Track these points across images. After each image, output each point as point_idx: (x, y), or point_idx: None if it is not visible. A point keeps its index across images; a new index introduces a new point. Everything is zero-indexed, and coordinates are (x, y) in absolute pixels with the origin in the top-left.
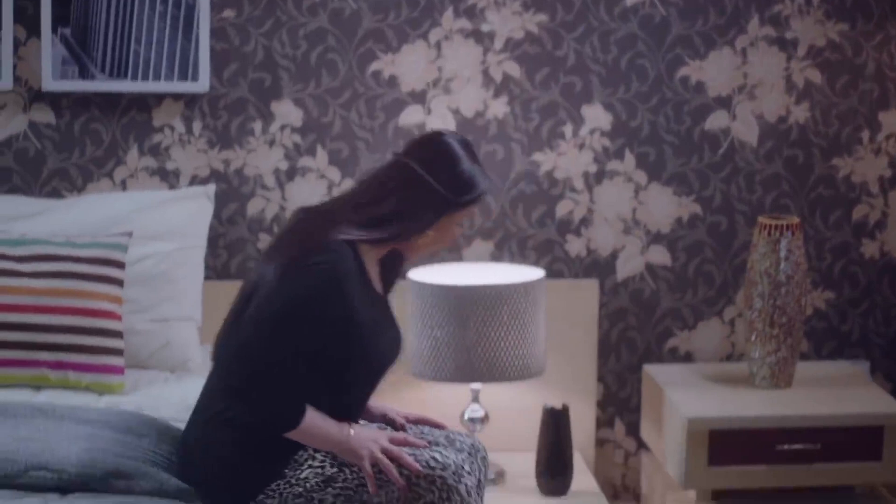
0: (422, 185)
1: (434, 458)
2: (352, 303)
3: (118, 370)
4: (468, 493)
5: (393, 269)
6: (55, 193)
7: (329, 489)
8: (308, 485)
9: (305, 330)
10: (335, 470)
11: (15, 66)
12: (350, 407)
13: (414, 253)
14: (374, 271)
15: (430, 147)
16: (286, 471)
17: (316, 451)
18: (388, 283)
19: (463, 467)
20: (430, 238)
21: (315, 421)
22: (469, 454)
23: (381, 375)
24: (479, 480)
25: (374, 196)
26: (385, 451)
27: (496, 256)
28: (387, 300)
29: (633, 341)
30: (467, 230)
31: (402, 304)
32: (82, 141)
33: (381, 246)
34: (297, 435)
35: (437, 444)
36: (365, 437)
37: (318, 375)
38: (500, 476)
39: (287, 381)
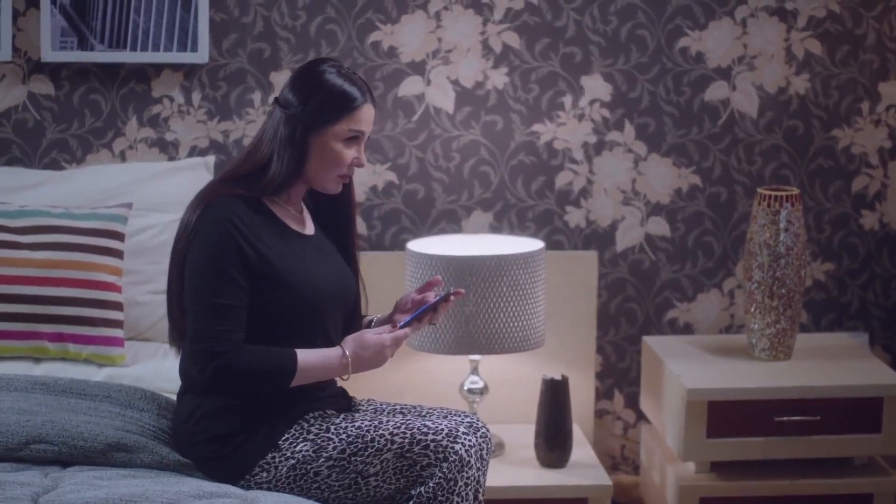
0: (277, 114)
1: (425, 426)
2: (256, 245)
3: (118, 342)
4: (467, 453)
5: (328, 205)
6: (54, 165)
7: (322, 459)
8: (301, 456)
9: (231, 278)
10: (324, 439)
11: (14, 37)
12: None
13: (317, 184)
14: (287, 212)
15: (294, 75)
16: (280, 442)
17: (311, 424)
18: (334, 219)
19: (458, 429)
20: (317, 165)
21: (308, 357)
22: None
23: (321, 313)
24: (482, 454)
25: (254, 142)
26: (395, 345)
27: (495, 228)
28: (320, 239)
29: (632, 313)
30: (465, 200)
31: (400, 275)
32: (81, 112)
33: (277, 192)
34: (297, 379)
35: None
36: (368, 355)
37: (260, 324)
38: (499, 448)
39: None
